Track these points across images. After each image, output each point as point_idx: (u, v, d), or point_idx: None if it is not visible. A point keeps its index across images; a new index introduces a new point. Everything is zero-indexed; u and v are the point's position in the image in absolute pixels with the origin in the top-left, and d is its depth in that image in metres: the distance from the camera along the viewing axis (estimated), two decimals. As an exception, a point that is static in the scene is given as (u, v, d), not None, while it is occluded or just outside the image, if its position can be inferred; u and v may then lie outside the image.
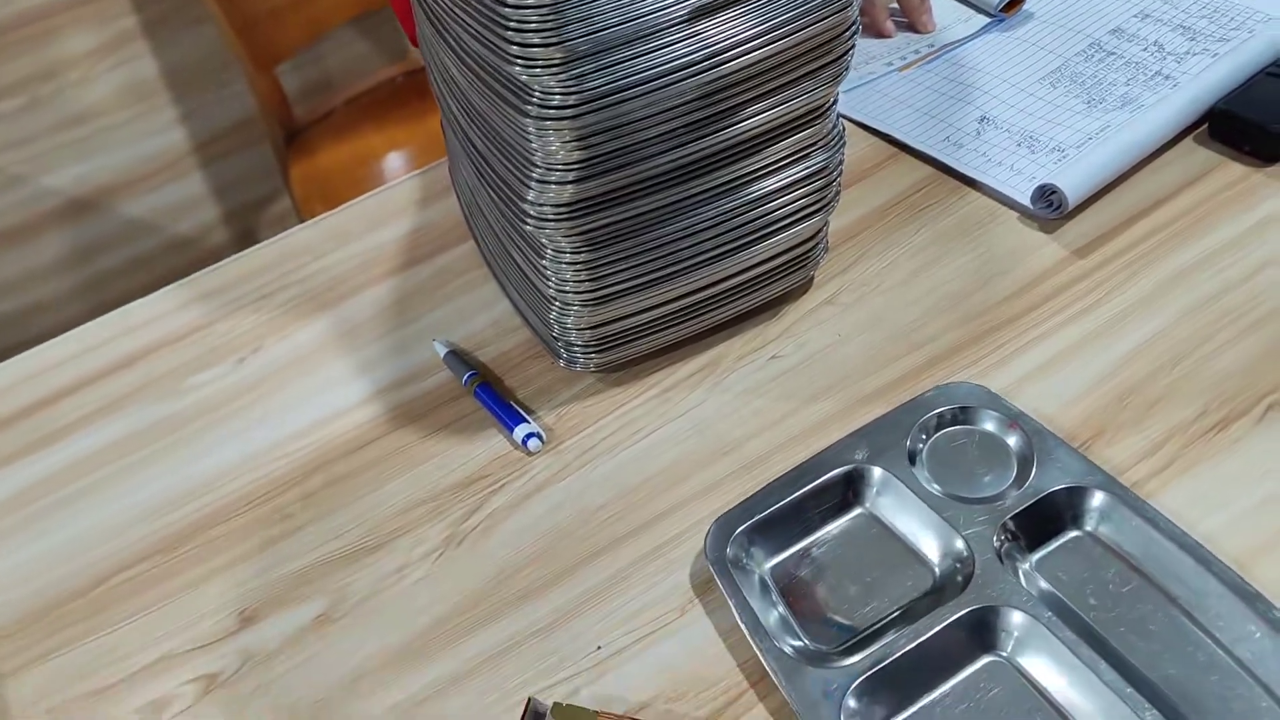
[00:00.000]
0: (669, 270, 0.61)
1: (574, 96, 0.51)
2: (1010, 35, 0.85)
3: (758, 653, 0.51)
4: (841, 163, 0.63)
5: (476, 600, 0.58)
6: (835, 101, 0.60)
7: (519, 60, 0.51)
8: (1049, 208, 0.70)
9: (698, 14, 0.52)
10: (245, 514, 0.64)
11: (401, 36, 1.80)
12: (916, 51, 0.86)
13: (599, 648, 0.55)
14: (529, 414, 0.65)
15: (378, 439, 0.67)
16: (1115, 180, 0.71)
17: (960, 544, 0.53)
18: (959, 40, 0.86)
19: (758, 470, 0.60)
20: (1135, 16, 0.83)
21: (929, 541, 0.54)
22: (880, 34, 0.88)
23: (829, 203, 0.64)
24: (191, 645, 0.58)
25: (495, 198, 0.62)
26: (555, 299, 0.62)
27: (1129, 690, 0.46)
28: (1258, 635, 0.47)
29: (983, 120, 0.78)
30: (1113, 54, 0.81)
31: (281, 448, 0.67)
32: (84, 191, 1.66)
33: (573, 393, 0.67)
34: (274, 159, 1.74)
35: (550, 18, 0.49)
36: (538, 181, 0.55)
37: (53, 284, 1.71)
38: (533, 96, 0.52)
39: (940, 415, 0.58)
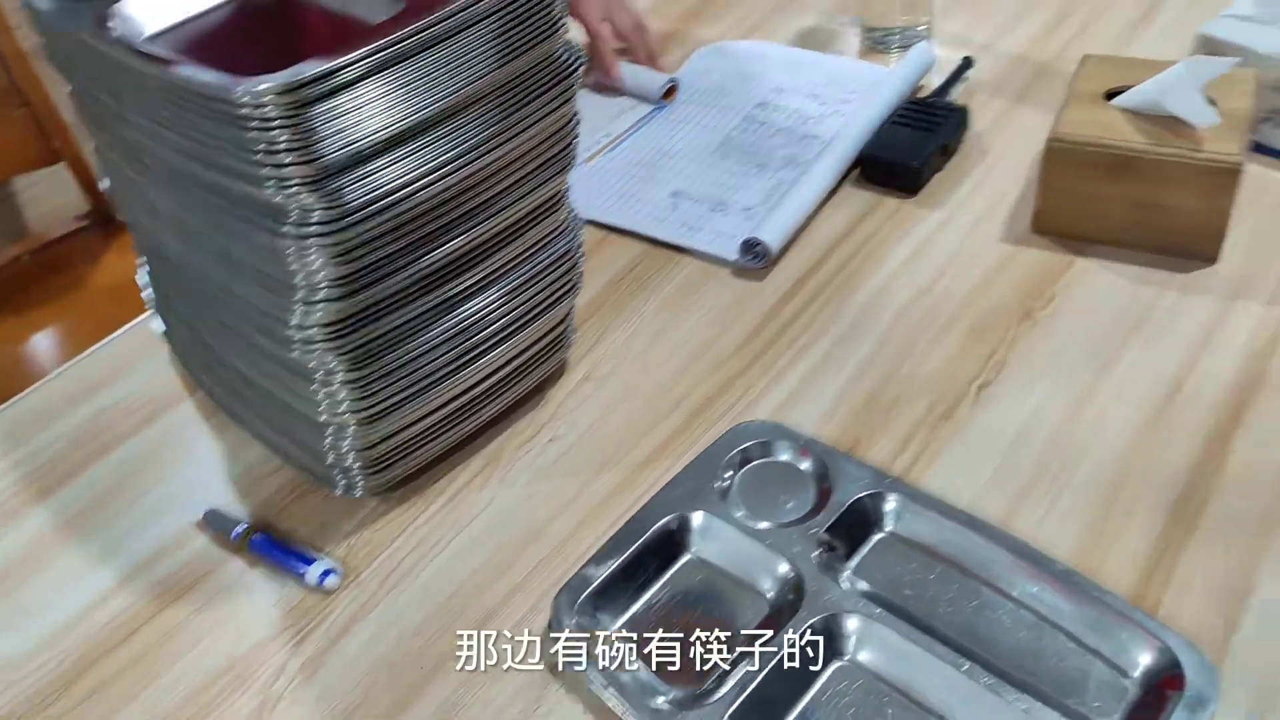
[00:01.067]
0: (439, 375, 0.61)
1: (333, 212, 0.51)
2: (675, 120, 0.94)
3: (626, 716, 0.51)
4: (581, 246, 0.67)
5: (315, 758, 0.53)
6: (568, 190, 0.64)
7: (271, 182, 0.49)
8: (755, 259, 0.78)
9: (441, 119, 0.53)
10: (1, 747, 0.55)
11: (20, 214, 1.64)
12: (598, 142, 0.92)
13: (462, 766, 0.52)
14: (317, 553, 0.62)
15: (146, 623, 0.60)
16: (801, 227, 0.80)
17: (785, 567, 0.56)
18: (630, 129, 0.93)
19: (569, 548, 0.61)
20: (773, 91, 0.95)
21: (757, 571, 0.57)
22: (609, 76, 0.95)
23: (575, 285, 0.67)
24: None
25: (247, 331, 0.59)
26: (328, 425, 0.59)
27: (963, 662, 0.51)
28: (1044, 588, 0.54)
29: (675, 194, 0.86)
30: (764, 124, 0.92)
31: (31, 660, 0.58)
32: None
33: (357, 521, 0.64)
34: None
35: (299, 135, 0.49)
36: (301, 303, 0.54)
37: None
38: (289, 217, 0.51)
39: (740, 453, 0.62)
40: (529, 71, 0.57)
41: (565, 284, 0.66)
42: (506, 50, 0.55)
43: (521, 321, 0.64)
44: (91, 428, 0.72)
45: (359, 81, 0.50)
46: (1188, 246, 0.71)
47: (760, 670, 0.52)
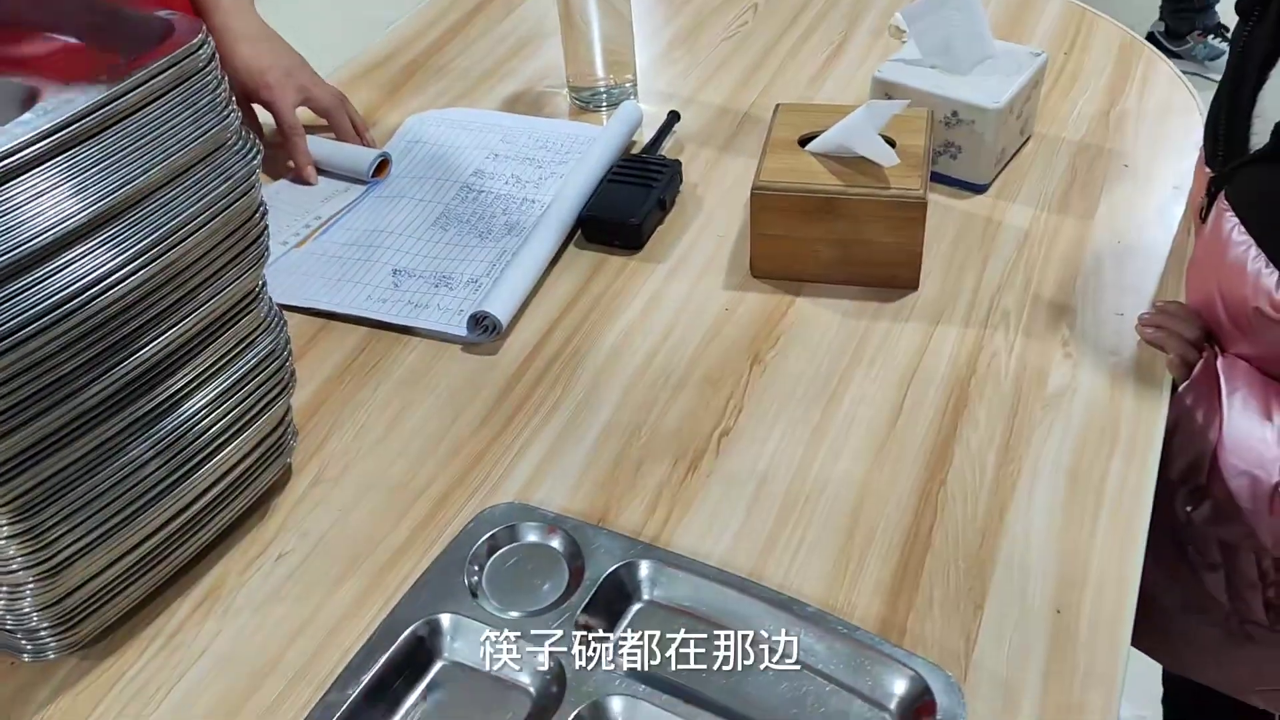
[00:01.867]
0: (130, 510, 0.54)
1: (-26, 340, 0.44)
2: (389, 196, 0.90)
3: None
4: (289, 341, 0.61)
5: None
6: (265, 284, 0.59)
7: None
8: (485, 333, 0.75)
9: (109, 217, 0.48)
10: None
11: None
12: (308, 226, 0.87)
13: None
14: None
15: None
16: (529, 294, 0.78)
17: (543, 657, 0.53)
18: (344, 209, 0.89)
19: (309, 676, 0.55)
20: (488, 158, 0.93)
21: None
22: (302, 174, 0.90)
23: (287, 384, 0.62)
24: None
25: (-119, 492, 0.50)
26: (4, 583, 0.51)
27: (730, 726, 0.50)
28: (800, 633, 0.54)
29: (396, 273, 0.82)
30: (482, 191, 0.90)
31: None
32: None
33: (54, 686, 0.56)
34: None
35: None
36: (-57, 453, 0.46)
37: None
38: (-90, 357, 0.43)
39: (486, 542, 0.59)
40: (203, 160, 0.52)
41: (276, 384, 0.61)
42: (167, 143, 0.50)
43: (232, 431, 0.59)
44: None
45: (11, 178, 0.44)
46: (890, 277, 0.75)
47: None
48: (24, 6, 0.55)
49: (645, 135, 0.93)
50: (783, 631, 0.54)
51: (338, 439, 0.69)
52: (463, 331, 0.76)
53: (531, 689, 0.54)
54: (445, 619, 0.56)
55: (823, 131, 0.76)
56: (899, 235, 0.73)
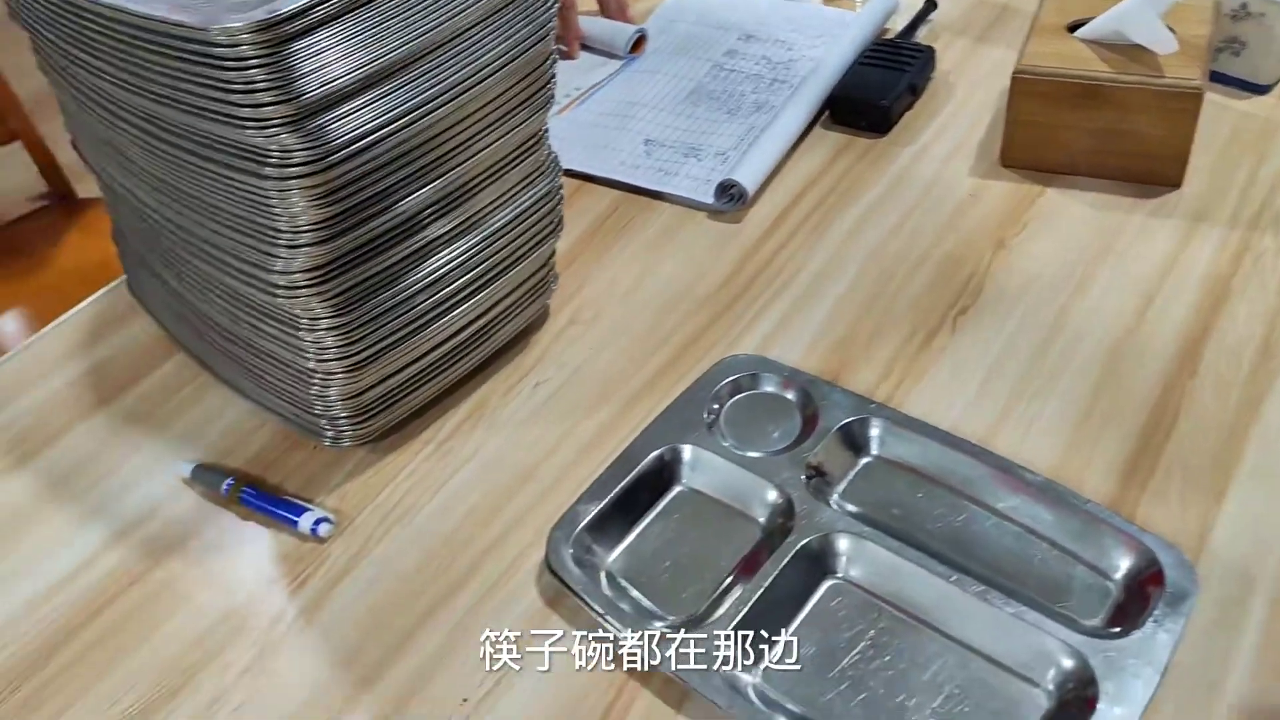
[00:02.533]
0: (424, 319, 0.61)
1: (315, 152, 0.51)
2: (644, 71, 0.94)
3: (627, 641, 0.52)
4: (561, 188, 0.67)
5: (316, 701, 0.53)
6: (547, 130, 0.64)
7: (251, 123, 0.49)
8: (730, 201, 0.78)
9: (422, 55, 0.53)
10: (2, 703, 0.54)
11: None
12: (568, 96, 0.92)
13: (464, 701, 0.53)
14: (308, 503, 0.62)
15: (136, 581, 0.60)
16: (774, 169, 0.81)
17: (775, 493, 0.57)
18: (599, 83, 0.93)
19: (561, 488, 0.61)
20: (740, 39, 0.95)
21: (748, 498, 0.58)
22: (568, 56, 0.95)
23: (557, 227, 0.67)
24: None
25: (230, 282, 0.58)
26: (315, 372, 0.59)
27: (951, 573, 0.52)
28: (1025, 500, 0.56)
29: (648, 142, 0.86)
30: (733, 71, 0.92)
31: (16, 627, 0.58)
32: None
33: (346, 471, 0.64)
34: None
35: (278, 73, 0.48)
36: (286, 248, 0.54)
37: None
38: (270, 158, 0.51)
39: (727, 386, 0.63)
40: (506, 7, 0.57)
41: (547, 226, 0.67)
42: (482, -14, 0.55)
43: (505, 264, 0.65)
44: (69, 394, 0.71)
45: (337, 17, 0.50)
46: (1152, 172, 0.73)
47: (755, 592, 0.53)
48: None
49: (899, 23, 0.92)
50: (1010, 495, 0.56)
51: (591, 288, 0.74)
52: (709, 199, 0.79)
53: (761, 520, 0.58)
54: (686, 449, 0.60)
55: (1093, 19, 0.74)
56: (1168, 128, 0.70)
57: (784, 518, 0.57)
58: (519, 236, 0.64)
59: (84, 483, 0.65)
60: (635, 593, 0.55)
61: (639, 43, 0.96)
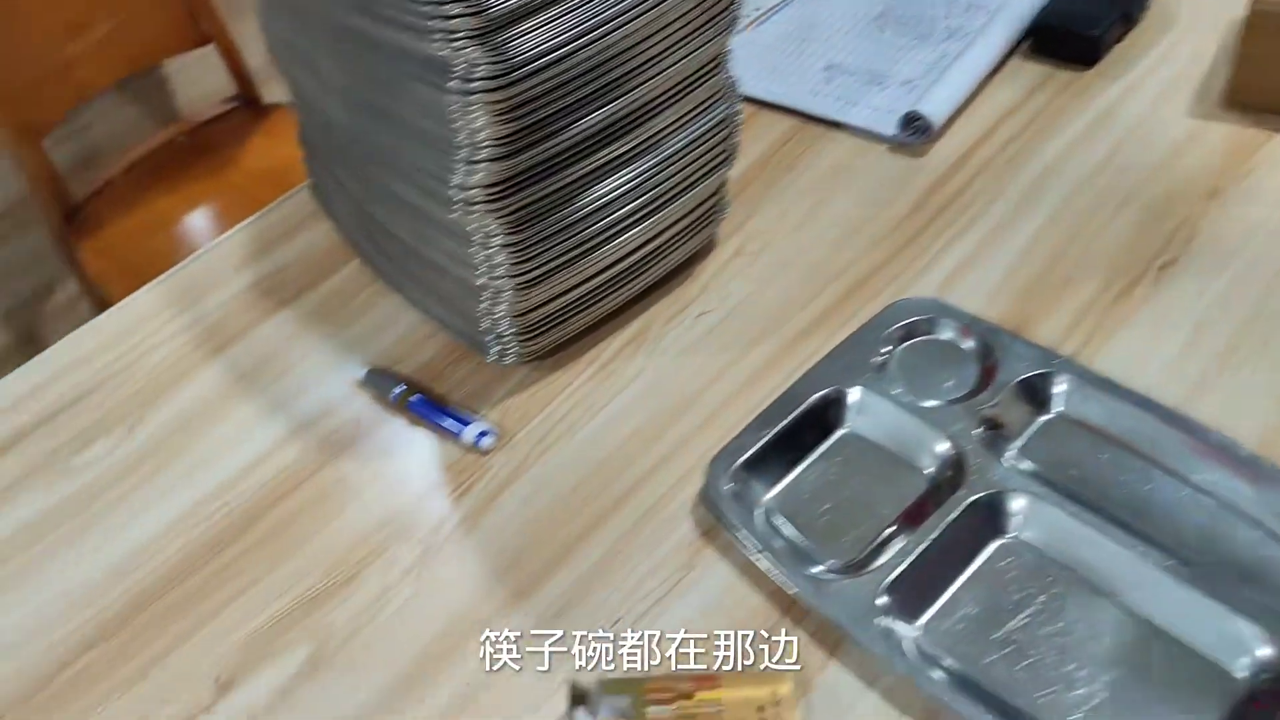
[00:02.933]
0: (593, 241, 0.61)
1: (499, 66, 0.50)
2: (829, -9, 0.89)
3: (781, 581, 0.51)
4: (739, 114, 0.64)
5: (475, 606, 0.55)
6: (729, 53, 0.62)
7: (438, 35, 0.49)
8: (915, 134, 0.74)
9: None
10: (186, 581, 0.58)
11: (172, 97, 1.70)
12: (747, 16, 0.89)
13: (617, 620, 0.53)
14: (473, 415, 0.63)
15: (311, 476, 0.62)
16: (966, 101, 0.76)
17: (946, 444, 0.55)
18: (780, 2, 0.90)
19: (720, 420, 0.61)
20: (936, -41, 0.90)
21: (915, 448, 0.56)
22: None
23: (731, 154, 0.65)
24: (171, 727, 0.52)
25: (409, 194, 0.59)
26: (486, 288, 0.60)
27: (1135, 543, 0.49)
28: (1226, 473, 0.52)
29: (829, 68, 0.82)
30: (926, -7, 0.87)
31: (205, 507, 0.61)
32: None
33: (509, 387, 0.65)
34: (49, 242, 1.60)
35: (468, -15, 0.48)
36: (465, 163, 0.54)
37: None
38: (455, 72, 0.50)
39: (900, 330, 0.61)
40: (695, -76, 0.55)
41: (722, 153, 0.65)
42: (675, -103, 0.53)
43: (677, 190, 0.63)
44: (254, 292, 0.74)
45: (526, -71, 0.48)
46: (1405, 119, 0.65)
47: (919, 544, 0.51)
48: None
49: (1116, -57, 0.84)
50: (1208, 468, 0.52)
51: (760, 218, 0.72)
52: (892, 130, 0.75)
53: (928, 471, 0.56)
54: (853, 391, 0.58)
55: (1350, -57, 0.66)
56: None
57: (954, 471, 0.54)
58: (693, 162, 0.63)
59: (264, 380, 0.68)
60: (790, 531, 0.54)
61: None
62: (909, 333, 0.61)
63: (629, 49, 0.55)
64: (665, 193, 0.62)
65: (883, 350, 0.60)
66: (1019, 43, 0.79)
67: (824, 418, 0.58)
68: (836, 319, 0.65)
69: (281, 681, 0.53)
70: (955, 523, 0.52)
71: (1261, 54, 0.67)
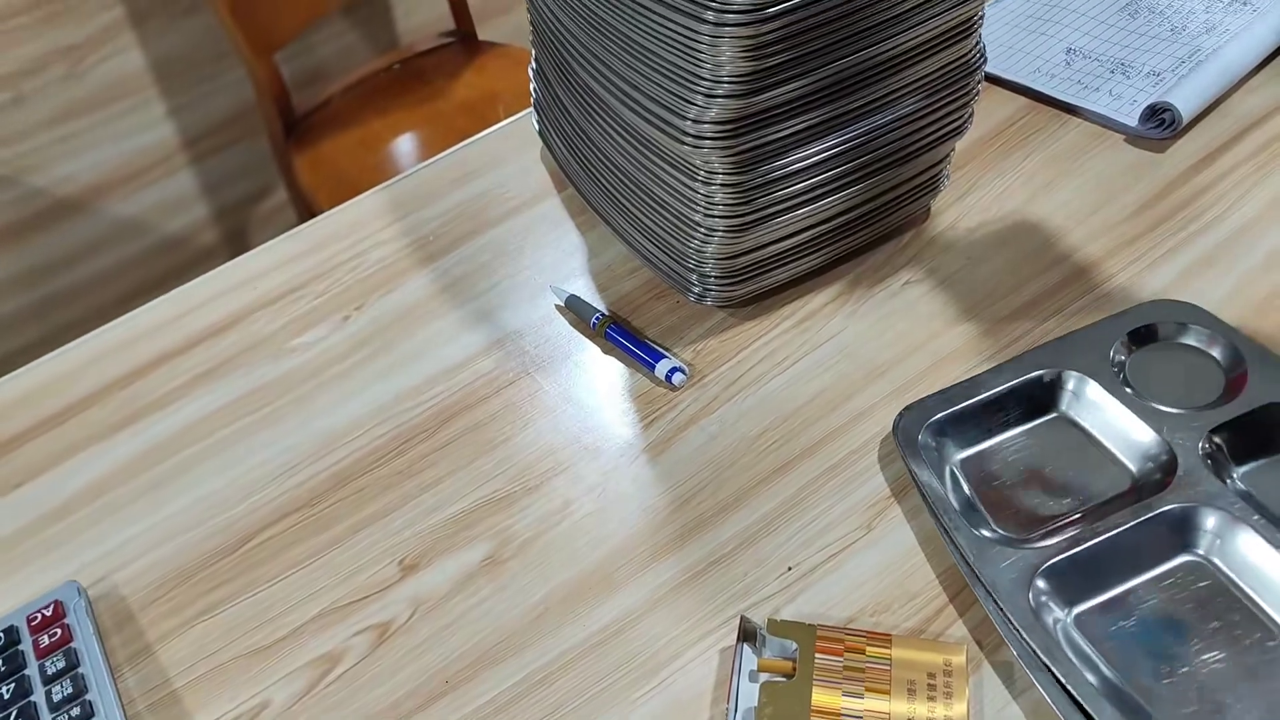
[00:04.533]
0: (811, 194, 0.61)
1: (753, 2, 0.50)
2: (1079, -28, 0.86)
3: (946, 533, 0.50)
4: (980, 83, 0.63)
5: (651, 531, 0.56)
6: (981, 19, 0.60)
7: (701, -35, 0.49)
8: (1159, 127, 0.71)
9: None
10: (383, 465, 0.61)
11: (394, 26, 1.77)
12: None
13: (789, 569, 0.54)
14: (667, 350, 0.64)
15: (508, 386, 0.65)
16: (1217, 100, 0.72)
17: (1162, 448, 0.52)
18: None
19: (914, 389, 0.60)
20: (1201, -50, 0.85)
21: (1128, 445, 0.54)
22: None
23: (964, 125, 0.64)
24: (354, 597, 0.56)
25: (640, 124, 0.60)
26: (700, 225, 0.61)
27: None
28: None
29: (1070, 51, 0.79)
30: (1185, -15, 0.82)
31: (407, 400, 0.65)
32: (72, 191, 1.60)
33: (705, 328, 0.66)
34: (267, 152, 1.70)
35: (739, -83, 0.48)
36: (704, 95, 0.54)
37: (40, 289, 1.64)
38: (711, 4, 0.51)
39: (1142, 328, 0.58)
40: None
41: (954, 122, 0.63)
42: None
43: (903, 154, 0.62)
44: (467, 209, 0.77)
45: None
46: None
47: (1098, 535, 0.49)
48: None
49: None
50: None
51: (978, 195, 0.71)
52: (1133, 121, 0.72)
53: (1135, 470, 0.53)
54: (1075, 377, 0.56)
55: None
56: None
57: (1162, 474, 0.52)
58: (924, 128, 0.62)
59: (472, 291, 0.71)
60: (973, 495, 0.53)
61: None
62: (1153, 333, 0.58)
63: (871, 4, 0.54)
64: (889, 154, 0.62)
65: (1120, 344, 0.57)
66: (1284, 46, 0.74)
67: (1036, 395, 0.56)
68: (1048, 308, 0.63)
69: (461, 573, 0.56)
70: (1145, 525, 0.49)
71: None
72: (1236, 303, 0.61)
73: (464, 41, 1.65)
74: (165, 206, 1.70)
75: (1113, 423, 0.54)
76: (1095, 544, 0.49)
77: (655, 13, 0.54)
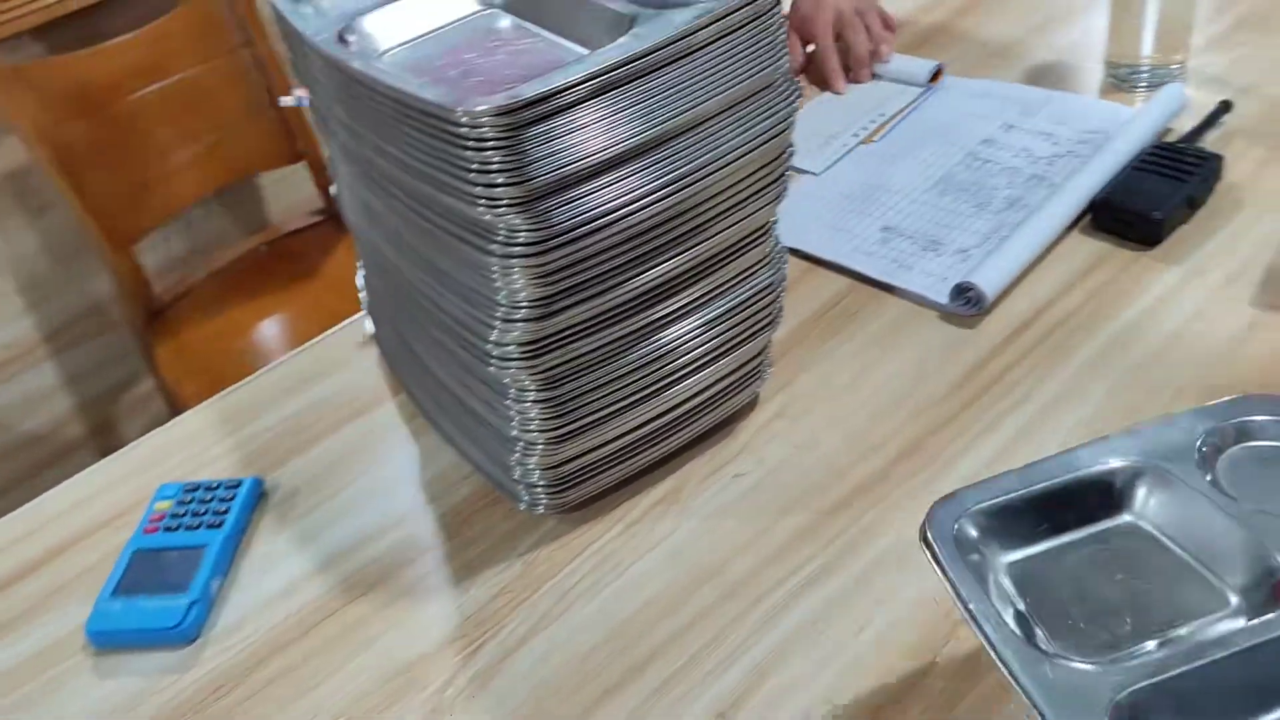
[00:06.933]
0: (630, 400, 0.61)
1: (540, 233, 0.51)
2: (892, 154, 0.90)
3: (993, 649, 0.43)
4: (784, 279, 0.65)
5: (476, 772, 0.53)
6: (776, 221, 0.62)
7: (482, 201, 0.50)
8: (967, 304, 0.74)
9: (654, 145, 0.53)
10: (197, 714, 0.58)
11: (264, 207, 1.78)
12: (873, 121, 0.93)
13: (618, 804, 0.51)
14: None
15: (331, 615, 0.62)
16: (1021, 274, 0.75)
17: (1275, 561, 0.45)
18: (905, 108, 0.94)
19: (747, 593, 0.59)
20: (1000, 128, 0.90)
21: (1223, 556, 0.47)
22: (832, 90, 0.98)
23: (775, 319, 0.65)
24: None
25: (449, 342, 0.60)
26: (518, 440, 0.60)
27: None
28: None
29: (885, 229, 0.82)
30: (988, 161, 0.87)
31: (215, 644, 0.61)
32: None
33: (538, 536, 0.65)
34: (132, 341, 1.66)
35: (513, 157, 0.49)
36: (501, 321, 0.54)
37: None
38: (496, 236, 0.52)
39: (1235, 426, 0.50)
40: (746, 100, 0.56)
41: (765, 317, 0.65)
42: (724, 79, 0.54)
43: (717, 353, 0.63)
44: (301, 420, 0.76)
45: (576, 106, 0.50)
46: None
47: (1188, 664, 0.41)
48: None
49: (1186, 125, 0.84)
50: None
51: (805, 380, 0.72)
52: (944, 299, 0.74)
53: (1236, 586, 0.46)
54: (1153, 477, 0.49)
55: None
56: None
57: (1270, 590, 0.44)
58: (734, 327, 0.63)
59: (301, 509, 0.69)
60: (1022, 605, 0.45)
61: (937, 74, 0.96)
62: (1246, 430, 0.51)
63: (673, 219, 0.56)
64: (704, 356, 0.62)
65: (1213, 437, 0.50)
66: (1080, 217, 0.79)
67: (1103, 496, 0.49)
68: (876, 491, 0.63)
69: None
70: (1260, 653, 0.41)
71: (1329, 250, 0.65)
72: (1048, 480, 0.62)
73: (334, 219, 1.66)
74: (28, 401, 1.64)
75: (1203, 531, 0.48)
76: (1183, 675, 0.41)
77: (449, 241, 0.55)
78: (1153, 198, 0.76)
